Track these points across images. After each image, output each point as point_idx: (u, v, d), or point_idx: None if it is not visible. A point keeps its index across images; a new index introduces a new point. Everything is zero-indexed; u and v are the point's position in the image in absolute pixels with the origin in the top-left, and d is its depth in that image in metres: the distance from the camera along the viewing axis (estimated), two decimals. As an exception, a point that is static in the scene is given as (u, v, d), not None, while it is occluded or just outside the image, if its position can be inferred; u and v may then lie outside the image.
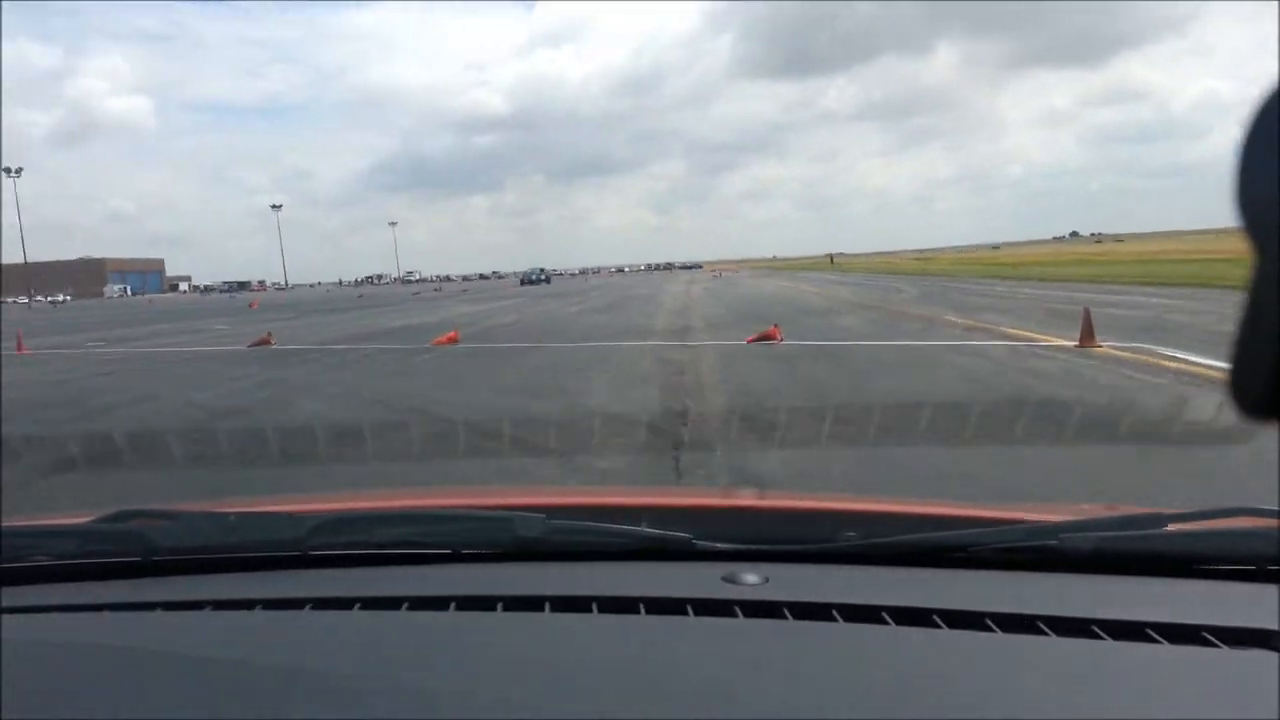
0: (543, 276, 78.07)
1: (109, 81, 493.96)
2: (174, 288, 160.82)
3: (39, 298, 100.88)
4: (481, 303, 36.30)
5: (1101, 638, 0.86)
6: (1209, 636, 0.85)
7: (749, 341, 12.90)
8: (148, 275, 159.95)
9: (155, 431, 7.19)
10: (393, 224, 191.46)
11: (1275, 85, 0.36)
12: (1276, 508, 1.06)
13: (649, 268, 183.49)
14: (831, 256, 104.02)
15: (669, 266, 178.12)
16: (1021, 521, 1.17)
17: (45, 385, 11.72)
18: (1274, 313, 0.36)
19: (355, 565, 1.15)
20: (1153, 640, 0.86)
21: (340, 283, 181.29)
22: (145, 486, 5.22)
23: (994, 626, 0.89)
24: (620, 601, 0.98)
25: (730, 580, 1.03)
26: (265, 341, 17.01)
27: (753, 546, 1.13)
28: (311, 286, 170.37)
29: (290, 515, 1.20)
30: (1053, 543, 1.05)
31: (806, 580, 1.05)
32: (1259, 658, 0.82)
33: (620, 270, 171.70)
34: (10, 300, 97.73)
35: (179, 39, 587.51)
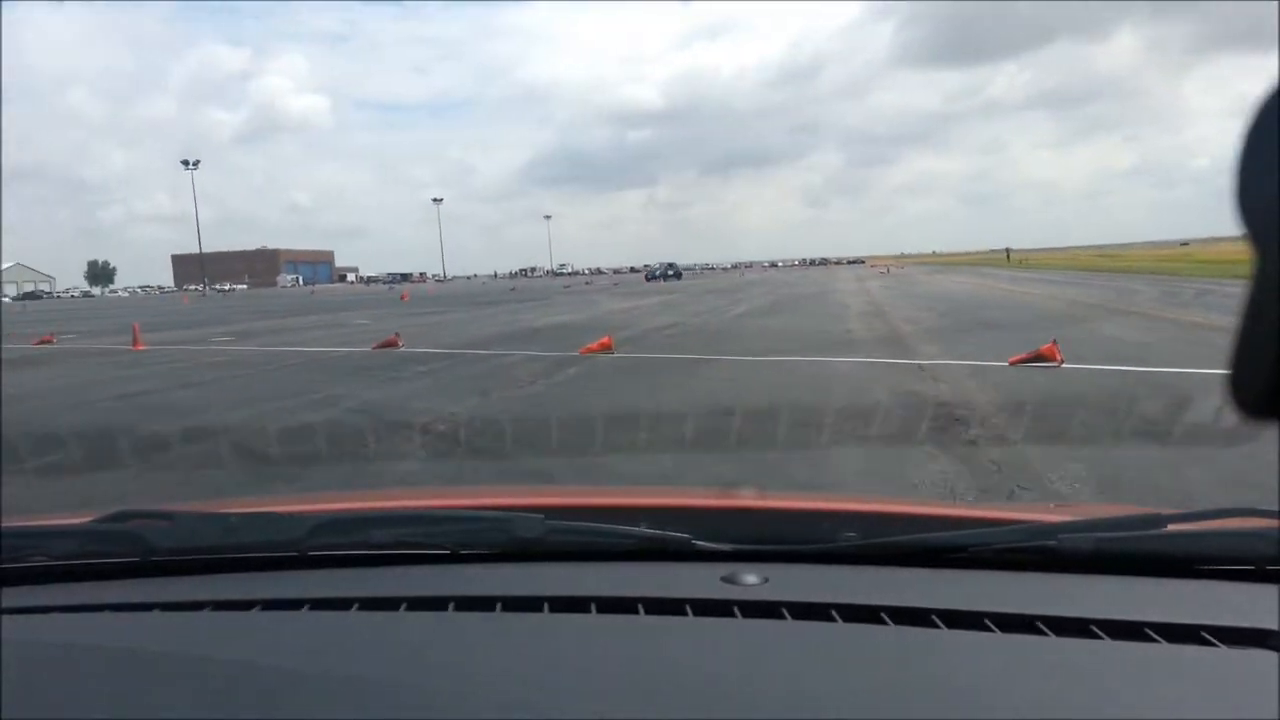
0: (671, 272, 70.83)
1: (291, 81, 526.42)
2: (342, 278, 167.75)
3: (213, 286, 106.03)
4: (634, 298, 33.45)
5: (1101, 638, 0.86)
6: (1208, 636, 0.85)
7: (1013, 363, 9.22)
8: (318, 266, 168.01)
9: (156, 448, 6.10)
10: (547, 217, 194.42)
11: (1275, 85, 0.36)
12: (1276, 508, 1.04)
13: (803, 263, 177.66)
14: (1008, 251, 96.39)
15: (823, 261, 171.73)
16: (1020, 522, 1.16)
17: (113, 394, 9.41)
18: (1274, 313, 0.36)
19: (354, 566, 1.14)
20: (1152, 640, 0.86)
21: (495, 275, 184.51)
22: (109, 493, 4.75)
23: (993, 627, 0.89)
24: (619, 602, 0.98)
25: (729, 580, 1.02)
26: (392, 343, 14.54)
27: (752, 547, 1.13)
28: (468, 278, 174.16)
29: (289, 516, 1.19)
30: (1052, 543, 1.04)
31: (806, 580, 1.05)
32: (1258, 657, 0.82)
33: (773, 265, 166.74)
34: (190, 288, 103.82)
35: (354, 39, 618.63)
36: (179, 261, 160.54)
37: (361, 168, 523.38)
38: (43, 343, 18.87)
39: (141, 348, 16.25)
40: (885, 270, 67.66)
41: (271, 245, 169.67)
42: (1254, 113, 0.37)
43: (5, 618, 0.99)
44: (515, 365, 11.34)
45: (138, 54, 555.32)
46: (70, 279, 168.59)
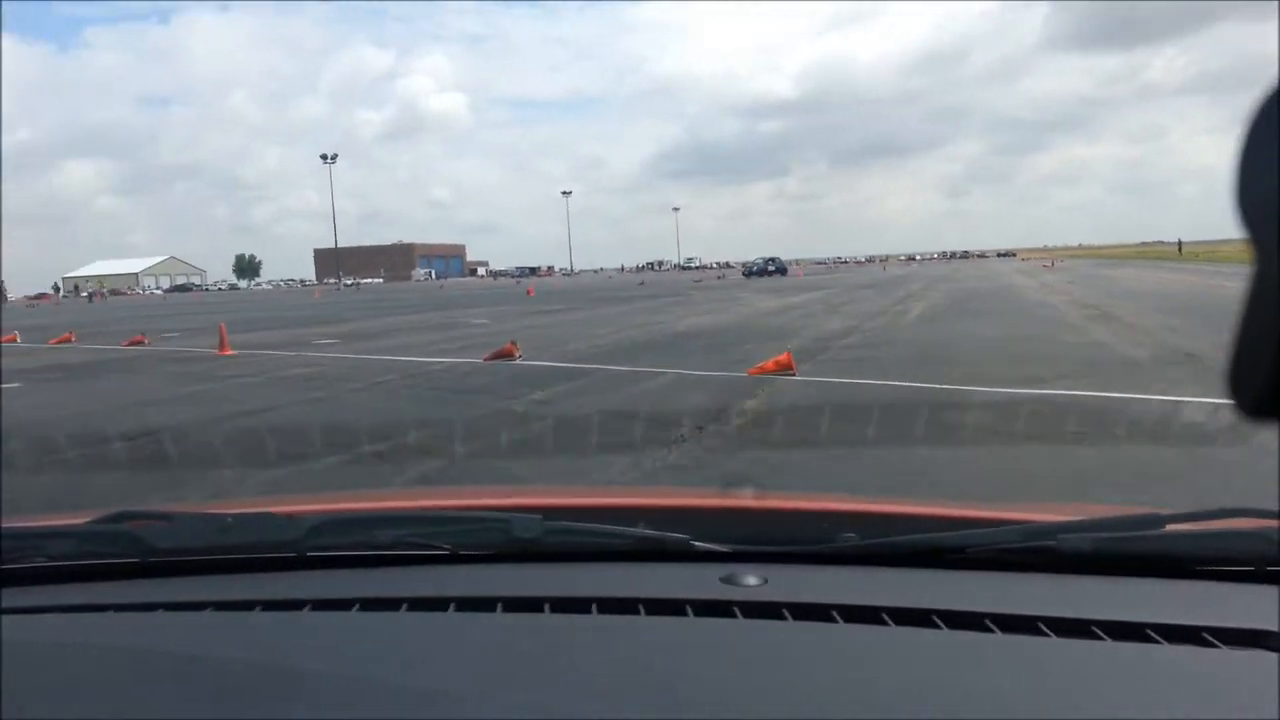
0: (773, 267, 63.41)
1: (433, 80, 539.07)
2: (473, 272, 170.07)
3: (345, 281, 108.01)
4: (781, 295, 29.98)
5: (1101, 638, 0.86)
6: (1208, 637, 0.85)
7: None
8: (450, 260, 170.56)
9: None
10: (676, 209, 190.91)
11: (1275, 85, 0.36)
12: (1275, 508, 1.04)
13: (943, 255, 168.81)
14: (1180, 243, 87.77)
15: (965, 254, 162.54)
16: (1020, 522, 1.16)
17: (132, 425, 6.84)
18: (1274, 313, 0.36)
19: (354, 566, 1.14)
20: (1152, 641, 0.86)
21: (622, 268, 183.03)
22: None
23: (994, 627, 0.89)
24: (619, 602, 0.97)
25: (729, 581, 1.02)
26: (507, 353, 11.75)
27: (752, 547, 1.13)
28: (595, 272, 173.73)
29: (288, 516, 1.19)
30: (1052, 543, 1.04)
31: (806, 581, 1.05)
32: (1258, 658, 0.82)
33: (911, 258, 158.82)
34: (328, 282, 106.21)
35: (493, 39, 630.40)
36: (320, 255, 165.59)
37: (496, 164, 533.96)
38: (133, 343, 17.06)
39: (228, 352, 14.08)
40: (1049, 264, 61.00)
41: (410, 240, 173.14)
42: (1254, 113, 0.36)
43: (5, 618, 0.98)
44: (665, 393, 8.25)
45: (293, 57, 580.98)
46: (220, 272, 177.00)
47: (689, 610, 0.95)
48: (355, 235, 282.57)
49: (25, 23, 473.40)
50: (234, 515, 1.18)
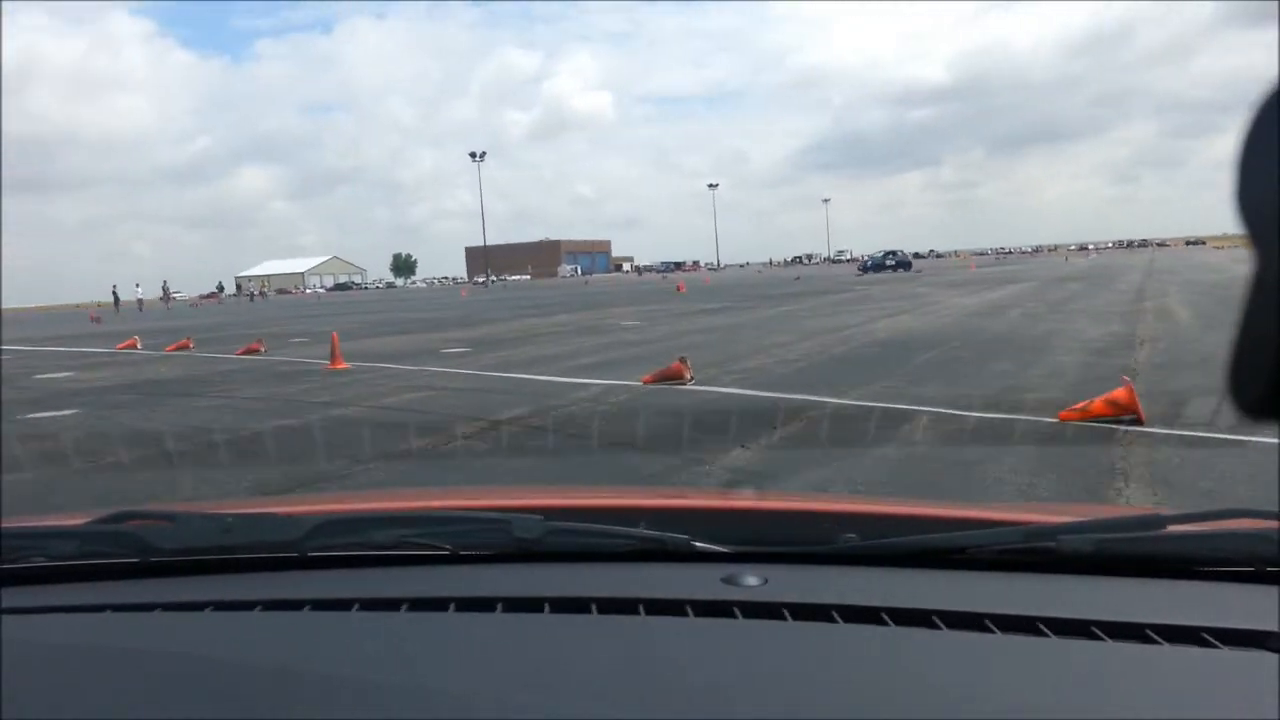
0: (891, 261, 57.47)
1: (578, 80, 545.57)
2: (618, 267, 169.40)
3: (494, 278, 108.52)
4: (967, 290, 25.86)
5: (1101, 638, 0.86)
6: (1208, 638, 0.85)
7: None
8: (596, 256, 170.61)
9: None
10: (826, 200, 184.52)
11: (1275, 85, 0.36)
12: (1275, 509, 1.04)
13: (1118, 244, 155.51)
14: None
15: (1144, 243, 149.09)
16: (1021, 523, 1.15)
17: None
18: (1274, 313, 0.36)
19: (354, 566, 1.13)
20: (1152, 641, 0.86)
21: (770, 262, 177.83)
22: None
23: (994, 628, 0.89)
24: (619, 603, 0.97)
25: (730, 581, 1.01)
26: (675, 374, 8.83)
27: (752, 548, 1.12)
28: (741, 266, 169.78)
29: (288, 517, 1.18)
30: (1052, 544, 1.04)
31: (806, 581, 1.04)
32: (1258, 659, 0.82)
33: (1084, 248, 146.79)
34: (478, 280, 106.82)
35: (637, 37, 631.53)
36: (470, 254, 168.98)
37: (639, 159, 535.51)
38: (247, 352, 15.11)
39: (339, 366, 11.73)
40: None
41: (556, 237, 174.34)
42: (1254, 112, 0.36)
43: (5, 618, 0.97)
44: (980, 476, 5.03)
45: (445, 62, 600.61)
46: (379, 271, 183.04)
47: (689, 610, 0.94)
48: (504, 233, 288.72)
49: (203, 37, 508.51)
50: (235, 515, 1.18)
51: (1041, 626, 0.88)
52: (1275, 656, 0.81)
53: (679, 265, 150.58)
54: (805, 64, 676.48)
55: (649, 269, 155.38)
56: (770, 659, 0.84)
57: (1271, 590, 0.95)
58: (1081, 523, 1.10)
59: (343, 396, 9.12)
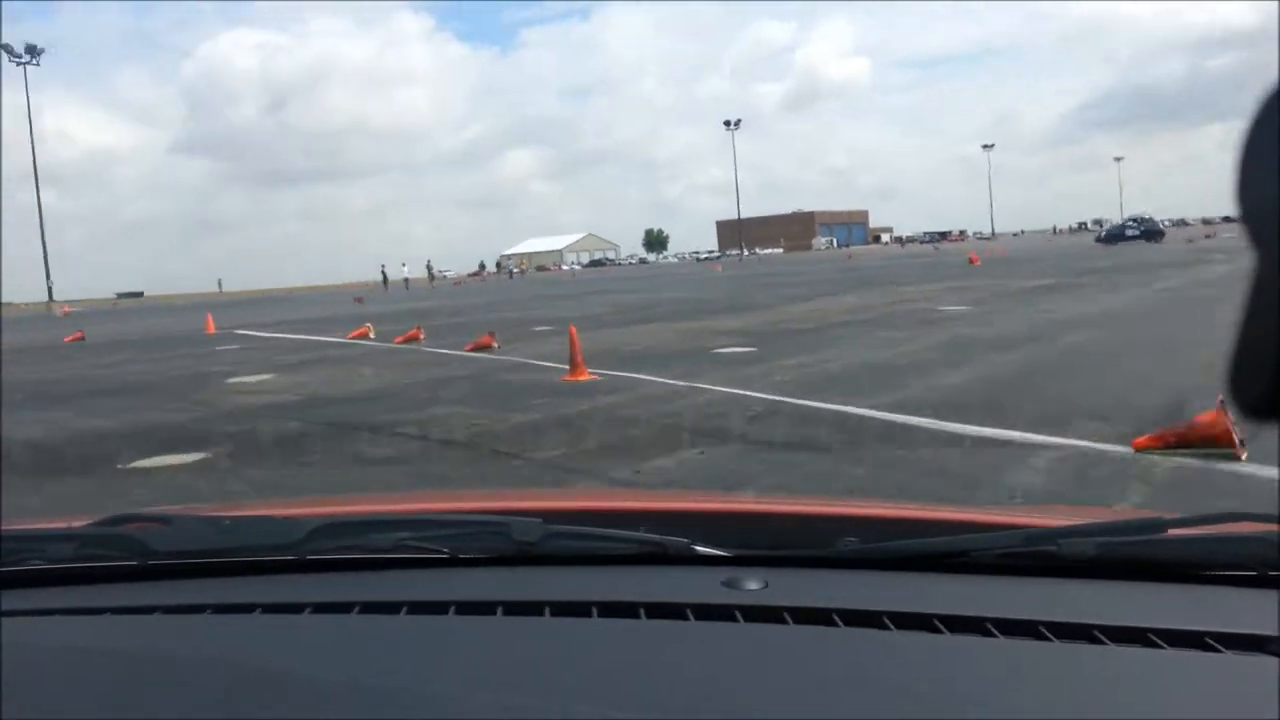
0: (1133, 231, 47.87)
1: (833, 47, 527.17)
2: (876, 239, 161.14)
3: (748, 252, 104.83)
4: None
5: (1102, 642, 0.86)
6: (1210, 641, 0.85)
7: None
8: (852, 227, 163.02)
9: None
10: (1118, 159, 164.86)
11: (1276, 85, 0.36)
12: (1277, 513, 1.03)
13: None
14: None
15: None
16: (1022, 526, 1.14)
17: None
18: (1274, 313, 0.36)
19: (353, 569, 1.12)
20: (1153, 645, 0.85)
21: (1054, 229, 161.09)
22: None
23: (995, 631, 0.89)
24: (620, 606, 0.97)
25: (730, 585, 1.01)
26: (1211, 432, 4.56)
27: (753, 552, 1.12)
28: (1015, 235, 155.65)
29: (287, 519, 1.18)
30: (1053, 548, 1.03)
31: (807, 585, 1.04)
32: (1259, 663, 0.82)
33: None
34: (729, 253, 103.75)
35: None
36: (722, 227, 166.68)
37: (896, 126, 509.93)
38: (477, 348, 12.29)
39: (581, 378, 8.45)
40: None
41: (808, 208, 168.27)
42: (1255, 112, 0.36)
43: (4, 620, 0.97)
44: None
45: (697, 40, 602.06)
46: (632, 247, 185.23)
47: (690, 614, 0.94)
48: (754, 206, 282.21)
49: (474, 30, 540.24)
50: (233, 518, 1.19)
51: (1043, 630, 0.88)
52: (1276, 661, 0.81)
53: (944, 235, 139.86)
54: (1082, 14, 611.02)
55: (911, 240, 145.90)
56: (771, 663, 0.84)
57: (1272, 594, 0.95)
58: (1083, 526, 1.09)
59: (582, 449, 5.62)
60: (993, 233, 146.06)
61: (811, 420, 6.07)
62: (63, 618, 1.01)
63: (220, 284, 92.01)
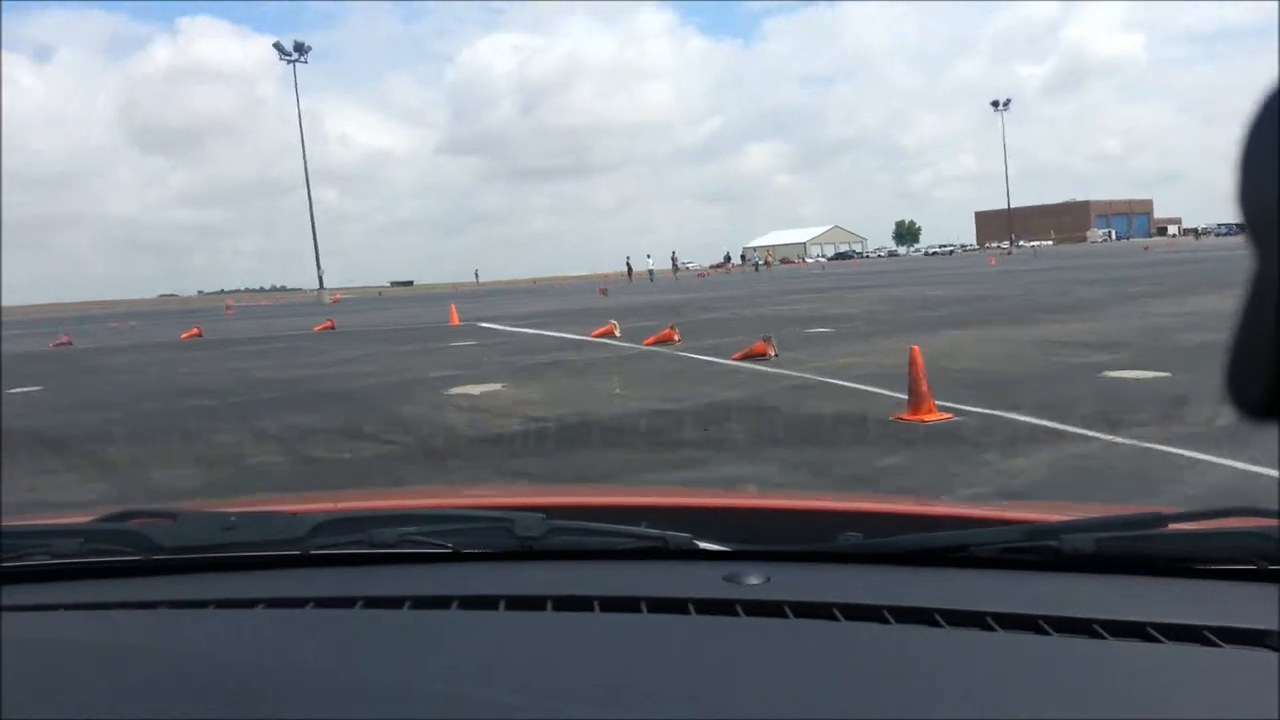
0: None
1: (1102, 23, 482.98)
2: (1161, 230, 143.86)
3: (1020, 243, 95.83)
4: None
5: (1103, 636, 0.86)
6: (1210, 636, 0.85)
7: None
8: (1133, 218, 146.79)
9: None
10: None
11: (1276, 85, 0.36)
12: (1277, 507, 1.03)
13: None
14: None
15: None
16: (1022, 521, 1.15)
17: None
18: (1274, 313, 0.35)
19: (356, 564, 1.13)
20: (1154, 639, 0.86)
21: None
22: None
23: (995, 626, 0.89)
24: (622, 601, 0.97)
25: (732, 580, 1.01)
26: None
27: (754, 546, 1.13)
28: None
29: (291, 515, 1.17)
30: (1054, 543, 1.03)
31: (808, 580, 1.04)
32: (1259, 657, 0.82)
33: None
34: (992, 245, 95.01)
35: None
36: (982, 218, 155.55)
37: (1176, 106, 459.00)
38: (748, 355, 9.71)
39: (929, 416, 5.59)
40: None
41: (1080, 197, 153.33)
42: (1255, 112, 0.36)
43: (8, 615, 0.97)
44: None
45: (953, 21, 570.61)
46: (880, 239, 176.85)
47: (691, 609, 0.94)
48: (1013, 195, 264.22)
49: (716, 23, 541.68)
50: (238, 514, 1.19)
51: (1043, 624, 0.88)
52: (1276, 655, 0.81)
53: (1241, 227, 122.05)
54: None
55: (1205, 231, 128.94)
56: (772, 657, 0.84)
57: (1272, 588, 0.95)
58: (1083, 521, 1.09)
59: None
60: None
61: None
62: (68, 613, 1.00)
63: (477, 274, 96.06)
